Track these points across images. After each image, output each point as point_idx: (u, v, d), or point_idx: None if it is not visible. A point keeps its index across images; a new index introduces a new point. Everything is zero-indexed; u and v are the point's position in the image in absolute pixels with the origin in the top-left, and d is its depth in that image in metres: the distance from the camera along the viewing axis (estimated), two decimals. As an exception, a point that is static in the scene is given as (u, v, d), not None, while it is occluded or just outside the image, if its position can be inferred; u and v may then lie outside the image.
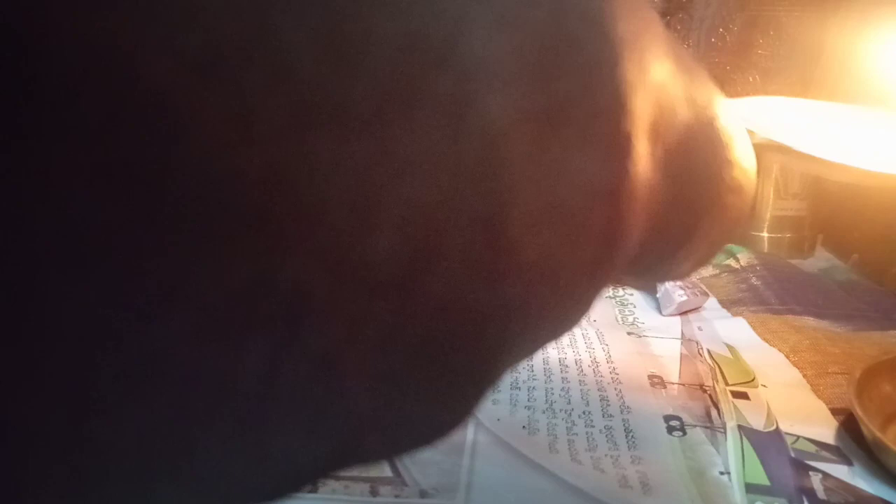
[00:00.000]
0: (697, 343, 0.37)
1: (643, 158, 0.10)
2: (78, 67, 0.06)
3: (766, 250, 0.52)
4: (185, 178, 0.06)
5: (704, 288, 0.44)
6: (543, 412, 0.30)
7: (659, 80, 0.11)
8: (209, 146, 0.06)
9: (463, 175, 0.08)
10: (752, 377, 0.34)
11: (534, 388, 0.32)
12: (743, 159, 0.14)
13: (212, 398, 0.07)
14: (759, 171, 0.15)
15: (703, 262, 0.15)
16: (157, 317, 0.07)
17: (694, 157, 0.12)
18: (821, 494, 0.25)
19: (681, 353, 0.36)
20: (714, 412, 0.30)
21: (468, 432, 0.28)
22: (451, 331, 0.09)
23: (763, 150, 0.15)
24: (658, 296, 0.42)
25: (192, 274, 0.07)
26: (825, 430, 0.30)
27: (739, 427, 0.29)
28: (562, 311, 0.10)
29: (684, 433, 0.29)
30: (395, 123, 0.07)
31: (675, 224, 0.12)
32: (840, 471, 0.27)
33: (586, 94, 0.09)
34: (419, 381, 0.09)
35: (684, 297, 0.41)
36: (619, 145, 0.10)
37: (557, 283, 0.09)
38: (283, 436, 0.08)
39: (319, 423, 0.08)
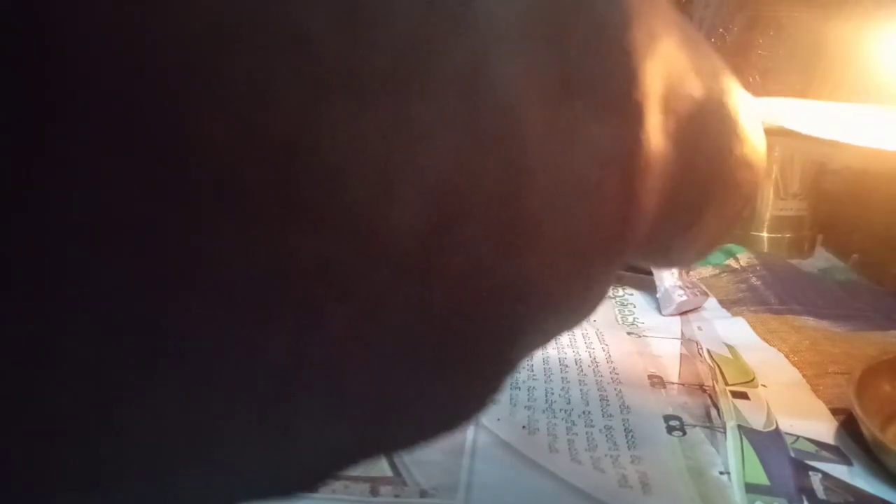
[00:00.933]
0: (697, 343, 0.37)
1: (655, 129, 0.10)
2: (97, 47, 0.06)
3: (765, 250, 0.52)
4: (205, 153, 0.06)
5: (704, 288, 0.44)
6: (543, 412, 0.30)
7: (667, 50, 0.11)
8: (227, 120, 0.06)
9: (480, 142, 0.08)
10: (752, 377, 0.34)
11: (533, 387, 0.32)
12: (752, 135, 0.13)
13: (235, 382, 0.07)
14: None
15: (713, 244, 0.15)
16: (178, 300, 0.07)
17: (704, 130, 0.12)
18: (820, 494, 0.25)
19: (680, 353, 0.36)
20: (714, 412, 0.30)
21: (468, 432, 0.28)
22: (473, 307, 0.08)
23: (769, 134, 0.15)
24: (658, 296, 0.42)
25: (212, 253, 0.07)
26: (825, 429, 0.30)
27: (739, 427, 0.29)
28: (579, 290, 0.10)
29: (684, 433, 0.29)
30: (412, 89, 0.07)
31: (687, 199, 0.12)
32: (840, 471, 0.27)
33: (596, 58, 0.09)
34: (442, 361, 0.09)
35: (684, 297, 0.41)
36: (631, 114, 0.09)
37: (574, 256, 0.09)
38: (308, 420, 0.08)
39: (345, 407, 0.08)
